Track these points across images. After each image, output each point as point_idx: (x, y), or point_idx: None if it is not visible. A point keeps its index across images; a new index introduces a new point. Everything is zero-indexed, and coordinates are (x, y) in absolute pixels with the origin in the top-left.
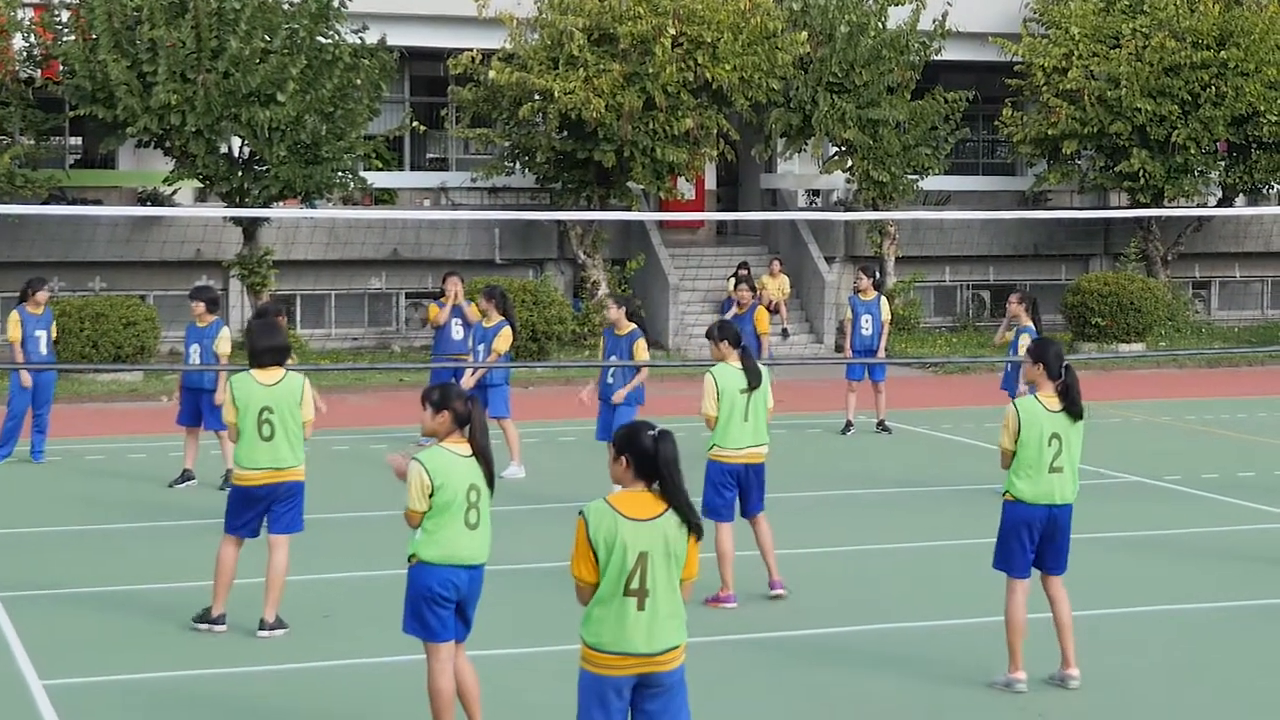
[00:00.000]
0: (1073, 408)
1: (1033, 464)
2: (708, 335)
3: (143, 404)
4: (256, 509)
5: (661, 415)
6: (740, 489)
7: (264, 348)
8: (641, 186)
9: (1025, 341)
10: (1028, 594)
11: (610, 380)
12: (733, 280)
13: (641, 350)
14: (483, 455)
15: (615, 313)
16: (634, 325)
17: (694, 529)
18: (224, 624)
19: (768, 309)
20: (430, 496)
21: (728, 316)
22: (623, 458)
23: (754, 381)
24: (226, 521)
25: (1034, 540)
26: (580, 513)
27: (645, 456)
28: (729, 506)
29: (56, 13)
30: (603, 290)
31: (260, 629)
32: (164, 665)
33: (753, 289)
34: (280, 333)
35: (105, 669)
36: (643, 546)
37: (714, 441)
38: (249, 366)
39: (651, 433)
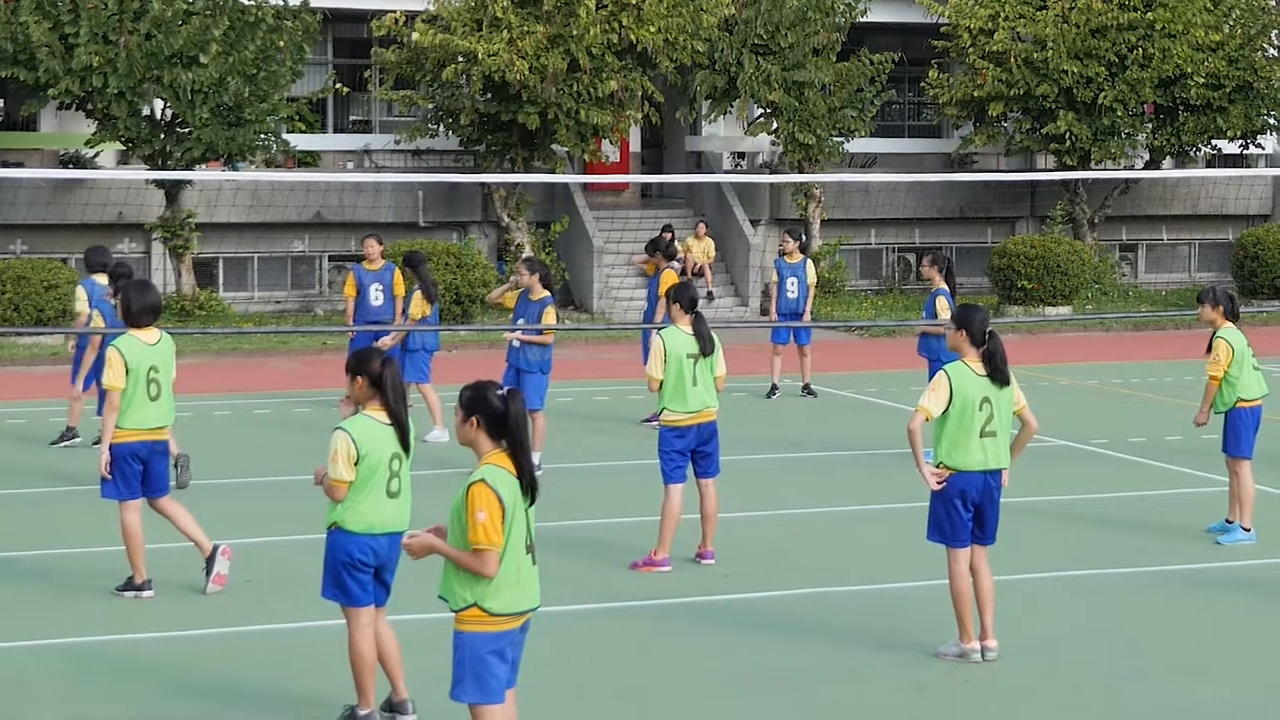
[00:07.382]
0: (996, 374)
1: (964, 430)
2: (665, 296)
3: (65, 367)
4: (139, 467)
5: (587, 378)
6: (693, 449)
7: (142, 308)
8: (566, 149)
9: (942, 304)
10: (969, 561)
11: (516, 345)
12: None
13: (550, 317)
14: (397, 421)
15: (529, 278)
16: (547, 291)
17: (531, 491)
18: (151, 589)
19: (694, 273)
20: (356, 465)
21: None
22: (473, 418)
23: (706, 349)
24: (118, 489)
25: (969, 509)
26: (481, 480)
27: (496, 415)
28: (680, 469)
29: None
30: (527, 252)
31: (210, 560)
32: (85, 630)
33: (668, 254)
34: (155, 292)
35: (26, 634)
36: (524, 505)
37: (664, 405)
38: (126, 328)
39: (500, 392)
